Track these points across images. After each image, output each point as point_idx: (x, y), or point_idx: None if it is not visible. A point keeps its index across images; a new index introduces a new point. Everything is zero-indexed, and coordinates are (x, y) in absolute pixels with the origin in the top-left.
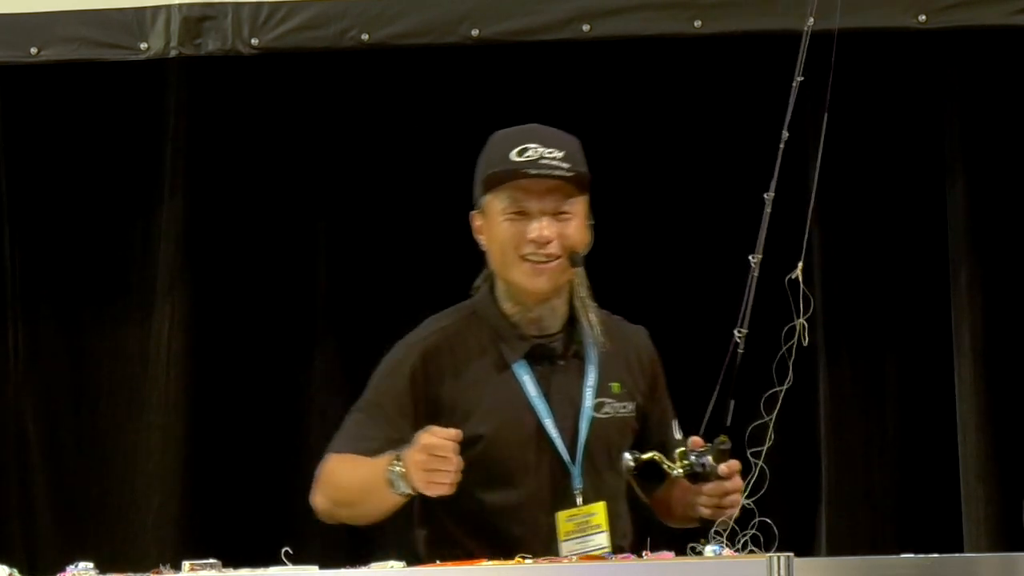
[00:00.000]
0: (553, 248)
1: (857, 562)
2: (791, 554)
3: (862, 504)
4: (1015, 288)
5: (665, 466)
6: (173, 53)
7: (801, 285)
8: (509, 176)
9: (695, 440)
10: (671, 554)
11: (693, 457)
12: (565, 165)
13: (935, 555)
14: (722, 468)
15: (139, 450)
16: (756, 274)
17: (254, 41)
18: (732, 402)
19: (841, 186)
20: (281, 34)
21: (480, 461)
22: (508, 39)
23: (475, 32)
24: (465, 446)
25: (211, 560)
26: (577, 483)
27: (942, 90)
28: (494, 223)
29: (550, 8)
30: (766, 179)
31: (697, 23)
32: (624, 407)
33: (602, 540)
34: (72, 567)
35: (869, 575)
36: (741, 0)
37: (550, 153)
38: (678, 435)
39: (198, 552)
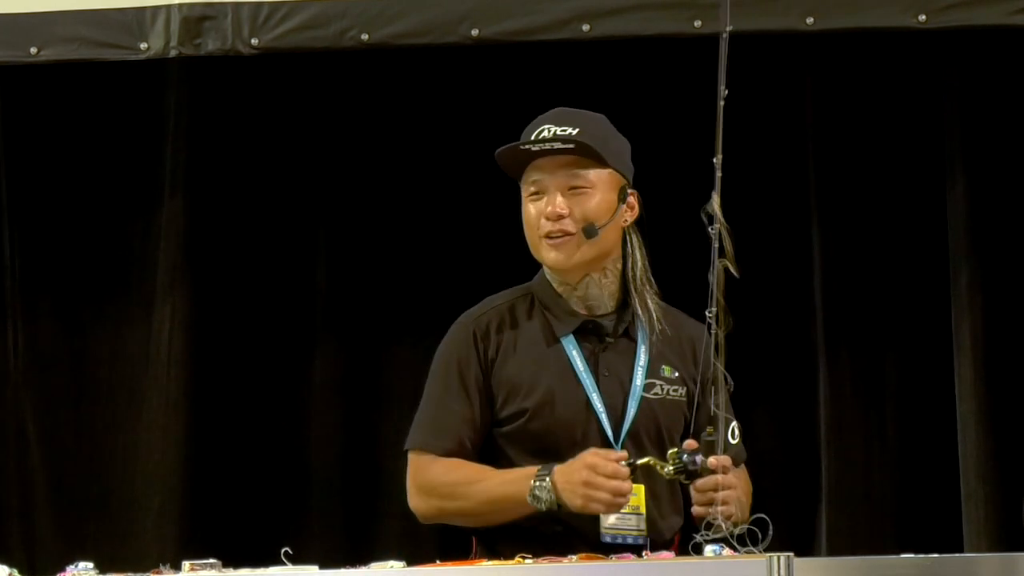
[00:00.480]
0: (566, 223)
1: (857, 562)
2: (791, 554)
3: (862, 504)
4: (1015, 288)
5: (658, 467)
6: (173, 53)
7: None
8: (510, 153)
9: (690, 442)
10: (671, 554)
11: (685, 456)
12: (568, 137)
13: (935, 555)
14: (710, 460)
15: (139, 450)
16: (716, 246)
17: (254, 41)
18: (721, 389)
19: (841, 186)
20: (281, 34)
21: (527, 433)
22: (508, 39)
23: (475, 32)
24: (515, 418)
25: (211, 560)
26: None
27: (942, 90)
28: (523, 207)
29: (550, 8)
30: (766, 179)
31: (697, 23)
32: (675, 390)
33: (639, 522)
34: (72, 567)
35: (869, 575)
36: (741, 0)
37: (563, 131)
38: (733, 440)
39: (198, 552)
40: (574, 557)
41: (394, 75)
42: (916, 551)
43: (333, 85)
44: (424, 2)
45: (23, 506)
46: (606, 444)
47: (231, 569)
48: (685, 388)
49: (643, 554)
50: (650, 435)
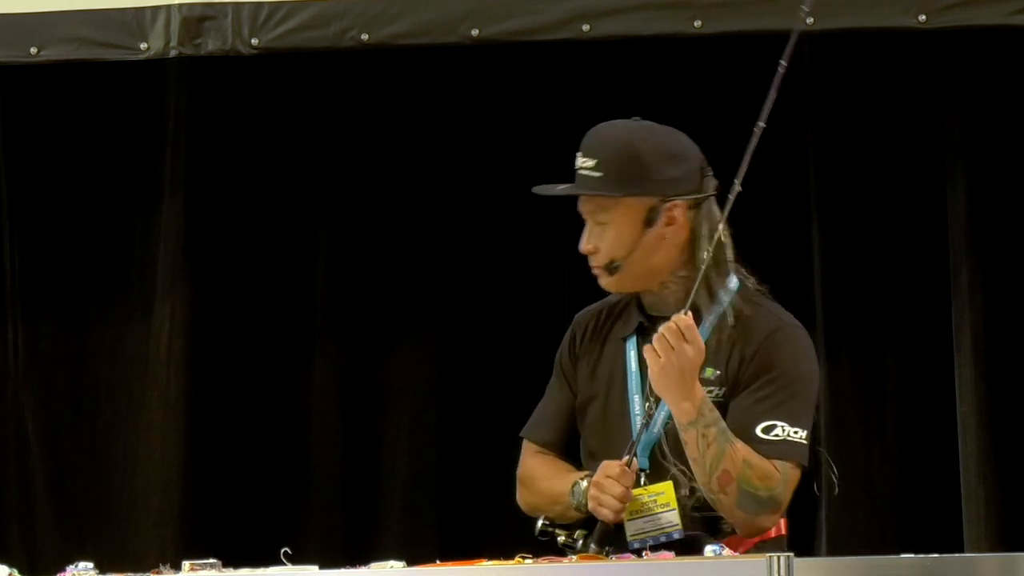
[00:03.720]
0: (596, 259)
1: (857, 562)
2: (791, 554)
3: (862, 504)
4: (1015, 288)
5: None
6: (173, 53)
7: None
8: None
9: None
10: (671, 554)
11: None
12: (596, 175)
13: (935, 555)
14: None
15: (139, 450)
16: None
17: (254, 41)
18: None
19: (841, 186)
20: (281, 34)
21: (584, 430)
22: (508, 39)
23: (475, 32)
24: (576, 414)
25: (211, 560)
26: (643, 463)
27: (942, 90)
28: None
29: (550, 8)
30: (766, 179)
31: (697, 23)
32: (710, 391)
33: (672, 518)
34: (72, 567)
35: (869, 575)
36: (741, 0)
37: (584, 163)
38: (763, 435)
39: (198, 552)
40: (574, 557)
41: (394, 75)
42: (916, 551)
43: (333, 85)
44: (424, 2)
45: (23, 506)
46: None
47: (231, 569)
48: (723, 388)
49: (643, 554)
50: (679, 439)
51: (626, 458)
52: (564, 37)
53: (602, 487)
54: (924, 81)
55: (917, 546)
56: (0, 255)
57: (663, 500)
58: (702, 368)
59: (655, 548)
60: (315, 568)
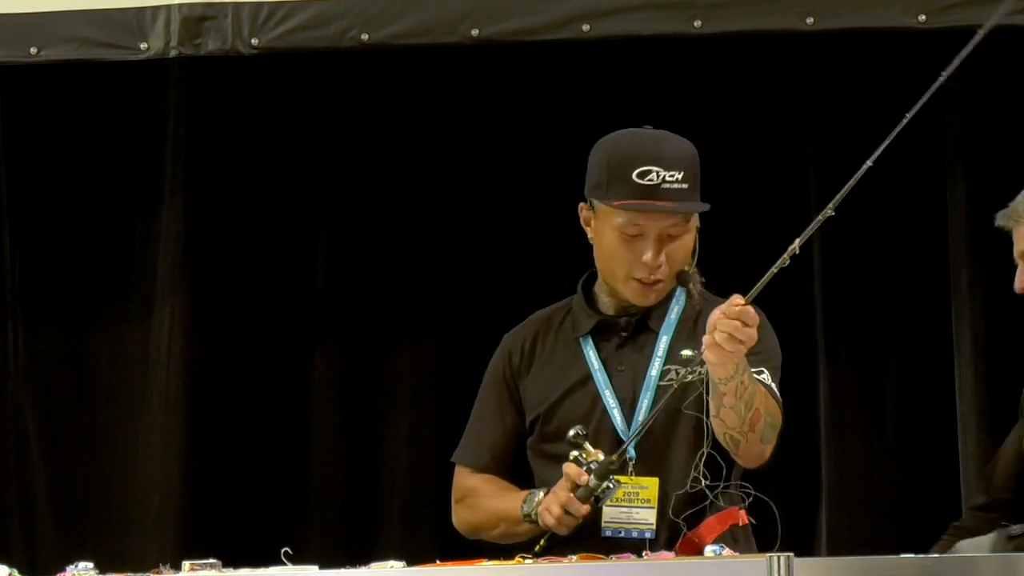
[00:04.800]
0: (662, 272)
1: (857, 562)
2: (791, 554)
3: (862, 504)
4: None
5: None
6: (173, 53)
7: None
8: (638, 208)
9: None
10: (671, 554)
11: (607, 479)
12: (685, 187)
13: (935, 555)
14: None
15: (139, 450)
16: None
17: (254, 41)
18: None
19: (841, 186)
20: (281, 34)
21: (543, 437)
22: (508, 39)
23: (475, 32)
24: (533, 426)
25: (211, 560)
26: (631, 452)
27: (942, 90)
28: (607, 232)
29: (550, 8)
30: (766, 179)
31: (697, 23)
32: (691, 372)
33: (648, 516)
34: (72, 567)
35: (869, 575)
36: (741, 0)
37: (672, 176)
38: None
39: (198, 552)
40: (574, 557)
41: (394, 75)
42: (916, 551)
43: (333, 85)
44: (424, 2)
45: (23, 506)
46: (617, 441)
47: (231, 569)
48: (704, 365)
49: (643, 554)
50: (668, 424)
51: (614, 456)
52: (564, 37)
53: (554, 496)
54: (924, 81)
55: (917, 546)
56: (0, 255)
57: (645, 495)
58: (679, 352)
59: (628, 542)
60: (315, 568)
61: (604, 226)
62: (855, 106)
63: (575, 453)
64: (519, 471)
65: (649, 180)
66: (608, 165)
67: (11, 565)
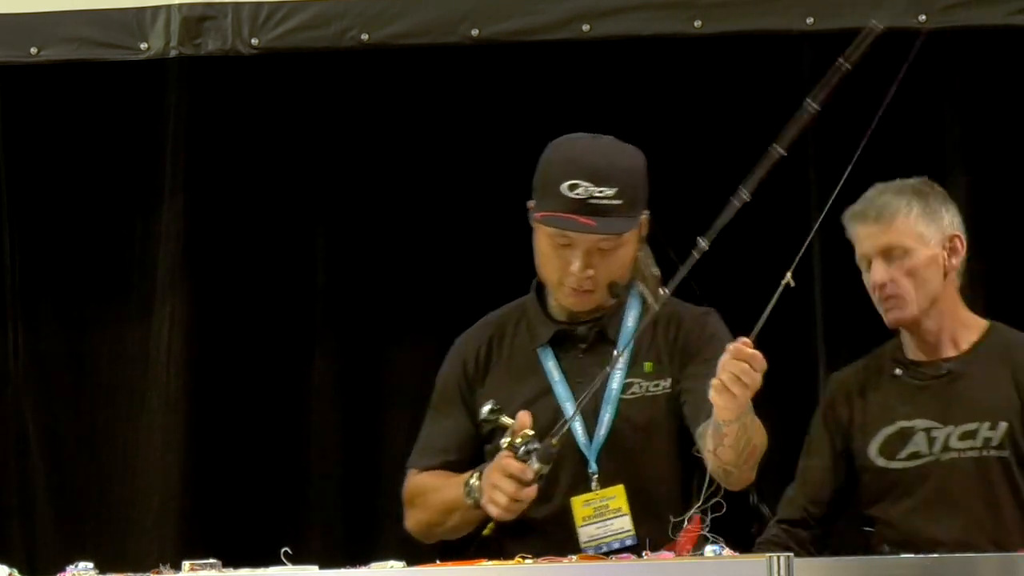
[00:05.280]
0: (589, 284)
1: (857, 562)
2: (791, 554)
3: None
4: (1015, 288)
5: (507, 437)
6: (173, 53)
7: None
8: (558, 223)
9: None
10: (671, 554)
11: (538, 447)
12: (617, 203)
13: (935, 555)
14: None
15: (139, 450)
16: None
17: (254, 41)
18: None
19: (843, 187)
20: (281, 34)
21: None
22: (508, 39)
23: (475, 32)
24: (496, 434)
25: (211, 560)
26: (592, 467)
27: (942, 90)
28: (540, 237)
29: (550, 8)
30: (765, 179)
31: (697, 23)
32: (656, 385)
33: (624, 523)
34: (72, 567)
35: (869, 575)
36: (741, 0)
37: (601, 192)
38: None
39: (198, 552)
40: (574, 557)
41: (394, 75)
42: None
43: (333, 85)
44: (424, 2)
45: (23, 506)
46: (579, 454)
47: (231, 569)
48: (670, 379)
49: (643, 554)
50: (635, 436)
51: (518, 467)
52: (564, 37)
53: (495, 484)
54: (924, 81)
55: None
56: (0, 255)
57: (615, 504)
58: (640, 364)
59: (608, 555)
60: (315, 568)
61: (538, 231)
62: (855, 106)
63: (507, 439)
64: None
65: (577, 194)
66: (543, 172)
67: (11, 565)
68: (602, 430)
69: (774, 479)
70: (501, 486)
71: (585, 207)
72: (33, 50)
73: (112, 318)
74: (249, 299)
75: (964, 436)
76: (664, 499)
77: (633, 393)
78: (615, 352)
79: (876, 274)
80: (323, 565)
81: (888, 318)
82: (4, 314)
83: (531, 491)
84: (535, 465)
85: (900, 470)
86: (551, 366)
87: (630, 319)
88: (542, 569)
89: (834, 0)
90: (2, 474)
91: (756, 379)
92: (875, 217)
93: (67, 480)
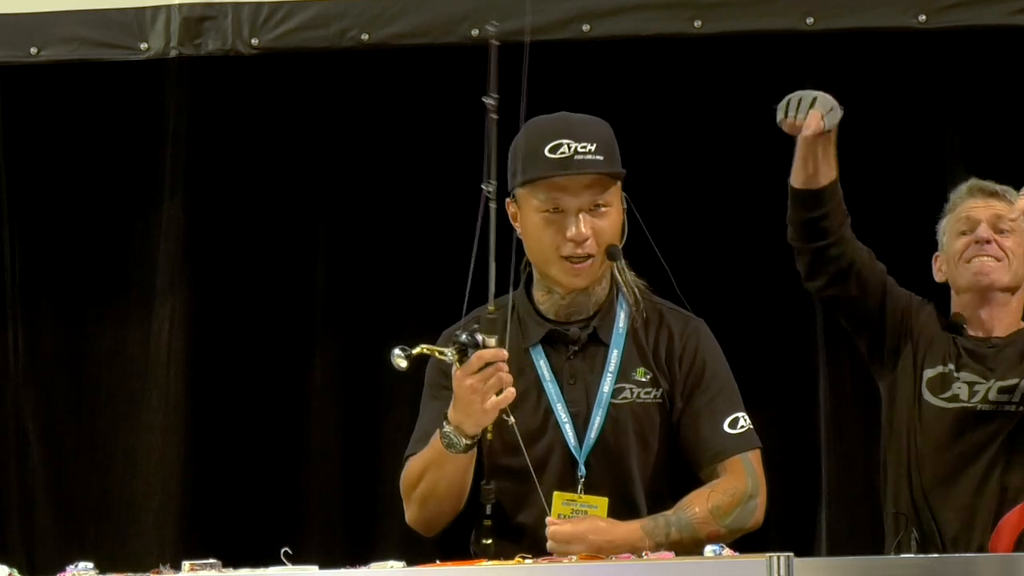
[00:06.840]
0: (590, 246)
1: (857, 562)
2: (791, 554)
3: (862, 504)
4: None
5: (437, 353)
6: (173, 53)
7: None
8: (545, 178)
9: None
10: (671, 554)
11: (464, 337)
12: (599, 158)
13: (935, 555)
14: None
15: (139, 450)
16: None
17: (254, 41)
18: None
19: (841, 186)
20: (281, 34)
21: (494, 446)
22: (508, 39)
23: (475, 32)
24: (483, 433)
25: (211, 560)
26: (581, 470)
27: (942, 90)
28: (529, 218)
29: (550, 8)
30: (765, 179)
31: (697, 23)
32: (647, 393)
33: None
34: (72, 567)
35: (869, 575)
36: (741, 0)
37: (583, 148)
38: (731, 430)
39: (198, 552)
40: (574, 557)
41: (394, 75)
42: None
43: (333, 85)
44: (424, 2)
45: (23, 506)
46: (570, 455)
47: (231, 569)
48: (660, 389)
49: (643, 554)
50: (622, 441)
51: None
52: (564, 37)
53: (475, 389)
54: (924, 81)
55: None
56: (0, 255)
57: (594, 515)
58: (633, 370)
59: None
60: (315, 568)
61: (527, 211)
62: (855, 106)
63: (447, 354)
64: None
65: (561, 153)
66: (521, 149)
67: (11, 565)
68: (592, 433)
69: (774, 479)
70: (476, 387)
71: (572, 163)
72: (33, 50)
73: (112, 318)
74: (249, 299)
75: (1002, 391)
76: (647, 506)
77: (624, 398)
78: (608, 354)
79: (982, 231)
80: (323, 565)
81: (984, 280)
82: (4, 314)
83: (500, 364)
84: (483, 339)
85: (941, 408)
86: (542, 364)
87: (620, 321)
88: (542, 569)
89: (834, 0)
90: (2, 474)
91: (604, 548)
92: (992, 193)
93: (67, 480)
